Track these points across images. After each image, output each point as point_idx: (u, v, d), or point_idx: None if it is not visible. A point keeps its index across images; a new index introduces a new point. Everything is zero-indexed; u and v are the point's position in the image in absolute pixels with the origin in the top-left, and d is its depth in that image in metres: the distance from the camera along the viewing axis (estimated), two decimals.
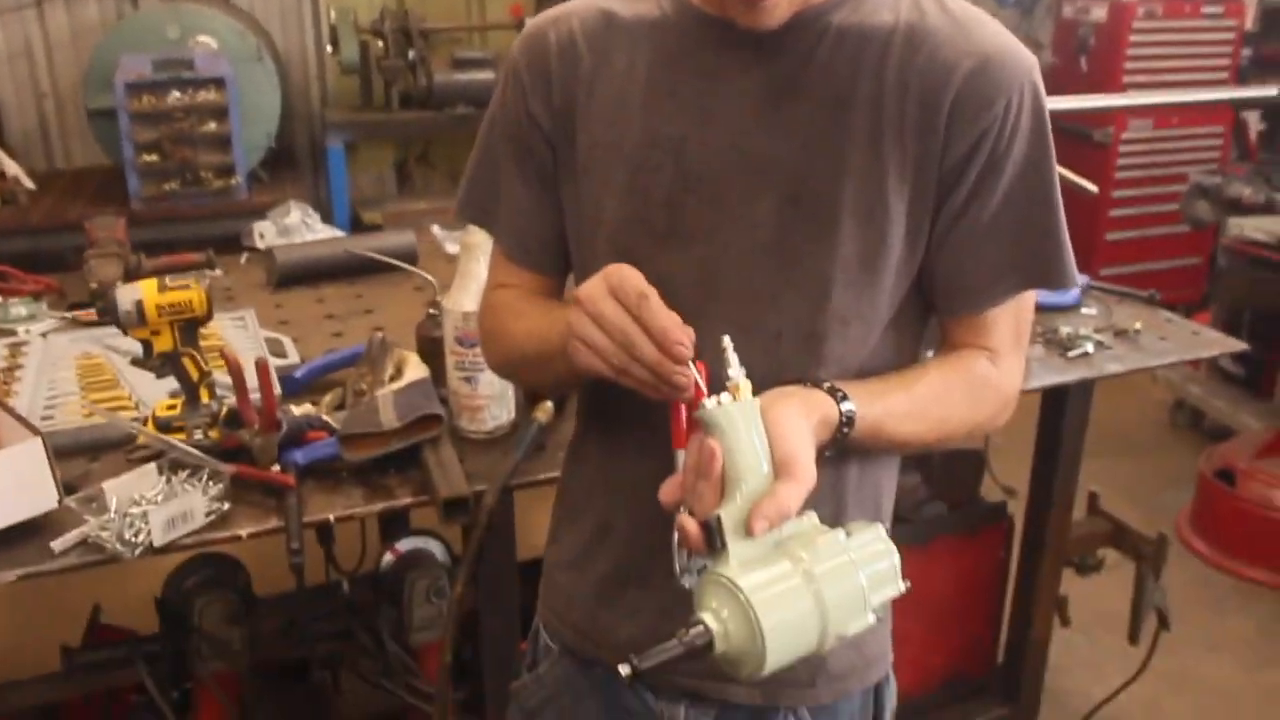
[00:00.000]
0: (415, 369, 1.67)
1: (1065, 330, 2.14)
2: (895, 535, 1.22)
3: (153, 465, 1.50)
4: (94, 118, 3.81)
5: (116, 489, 1.43)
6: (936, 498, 2.42)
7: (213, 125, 3.58)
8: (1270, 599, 3.33)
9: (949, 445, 1.14)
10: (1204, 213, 4.11)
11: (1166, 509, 3.65)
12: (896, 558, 0.94)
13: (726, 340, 0.95)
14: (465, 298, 1.59)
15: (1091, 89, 4.74)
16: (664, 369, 0.92)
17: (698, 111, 1.06)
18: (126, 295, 1.57)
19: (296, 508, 1.45)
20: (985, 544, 2.42)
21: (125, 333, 1.60)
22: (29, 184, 3.74)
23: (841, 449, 1.03)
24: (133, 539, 1.39)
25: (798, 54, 1.04)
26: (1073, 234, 1.11)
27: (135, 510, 1.41)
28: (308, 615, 1.73)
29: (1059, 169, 1.10)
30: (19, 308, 2.18)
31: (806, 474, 0.91)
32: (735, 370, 0.94)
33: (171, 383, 1.67)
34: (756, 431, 0.91)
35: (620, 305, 0.93)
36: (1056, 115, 1.10)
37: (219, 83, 3.55)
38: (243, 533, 1.45)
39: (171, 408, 1.63)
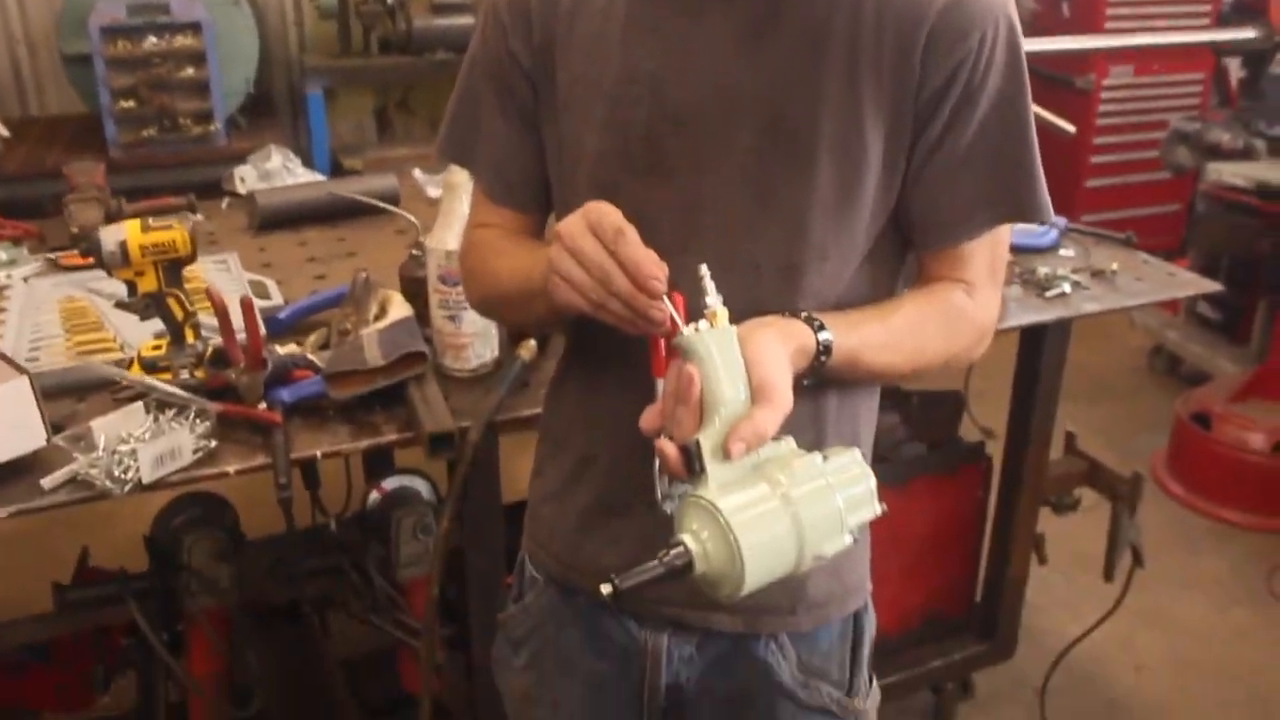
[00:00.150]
0: (399, 308, 1.68)
1: (1043, 271, 2.16)
2: (874, 473, 1.25)
3: (139, 404, 1.50)
4: (69, 63, 3.77)
5: (104, 427, 1.44)
6: (915, 438, 2.44)
7: (190, 71, 3.55)
8: (1243, 539, 3.40)
9: (926, 375, 1.16)
10: (1184, 158, 4.13)
11: (1143, 452, 3.70)
12: (873, 481, 0.96)
13: (704, 269, 0.96)
14: (448, 236, 1.59)
15: (1074, 33, 4.74)
16: (639, 303, 0.94)
17: (677, 46, 1.06)
18: (110, 236, 1.57)
19: (283, 444, 1.46)
20: (963, 483, 2.45)
21: (110, 274, 1.61)
22: (3, 131, 3.70)
23: (819, 378, 1.05)
24: (122, 476, 1.40)
25: None
26: (1053, 180, 1.12)
27: (124, 448, 1.42)
28: (296, 554, 1.75)
29: (1038, 109, 1.12)
30: None
31: (783, 399, 0.93)
32: (713, 298, 0.95)
33: (155, 325, 1.68)
34: (734, 358, 0.93)
35: (598, 241, 0.94)
36: (1037, 59, 1.12)
37: (195, 27, 3.51)
38: (230, 469, 1.46)
39: (157, 348, 1.64)
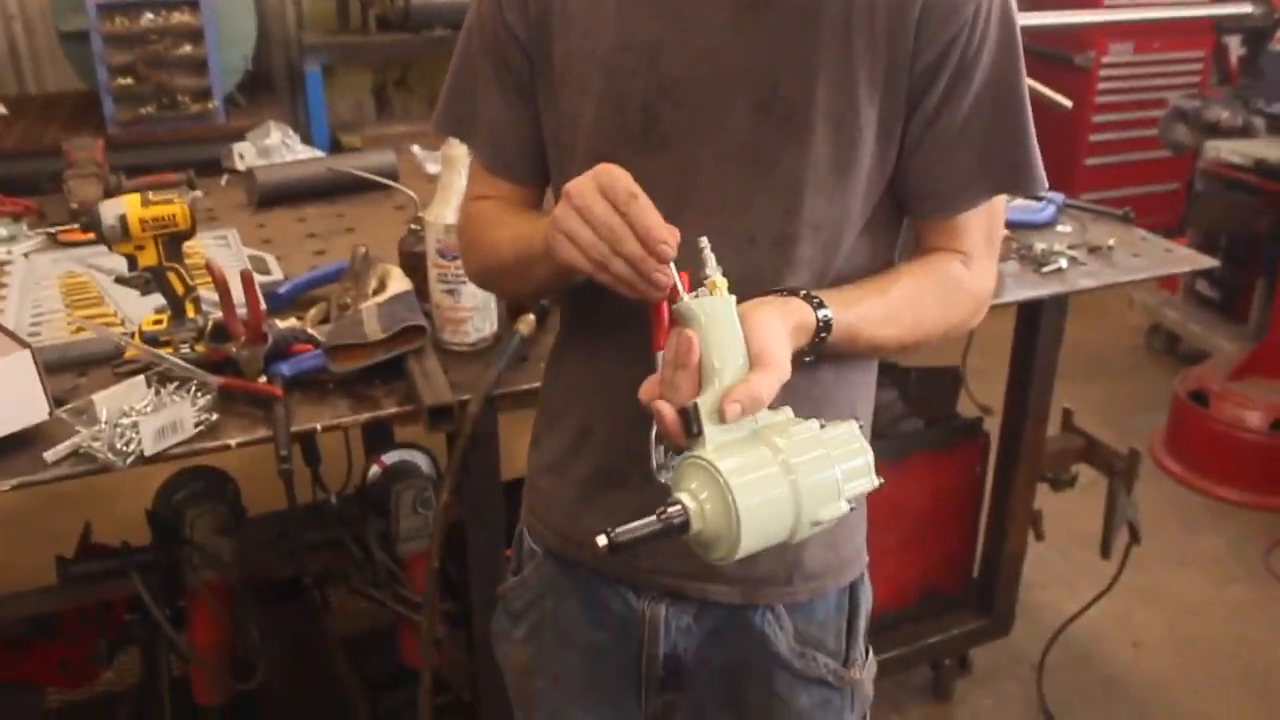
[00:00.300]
0: (398, 282, 1.69)
1: (1040, 246, 2.17)
2: (872, 450, 1.26)
3: (141, 378, 1.51)
4: (66, 40, 3.76)
5: (106, 400, 1.45)
6: (913, 414, 2.45)
7: (188, 48, 3.54)
8: (1239, 517, 3.41)
9: (925, 346, 1.17)
10: (1183, 136, 4.12)
11: (1141, 431, 3.71)
12: (870, 454, 0.97)
13: (704, 241, 0.97)
14: (447, 211, 1.60)
15: (1072, 8, 4.72)
16: (646, 266, 0.94)
17: (672, 16, 1.06)
18: (110, 210, 1.58)
19: (284, 417, 1.47)
20: (961, 459, 2.46)
21: (110, 248, 1.61)
22: (1, 109, 3.70)
23: (819, 355, 1.05)
24: (124, 449, 1.41)
25: None
26: (1051, 158, 1.13)
27: (125, 421, 1.43)
28: (297, 528, 1.76)
29: (1033, 83, 1.12)
30: None
31: (780, 366, 0.94)
32: (712, 269, 0.96)
33: (155, 301, 1.68)
34: (733, 326, 0.94)
35: (608, 203, 0.95)
36: (1035, 34, 1.12)
37: (193, 4, 3.50)
38: (232, 442, 1.47)
39: (158, 322, 1.64)
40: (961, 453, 2.46)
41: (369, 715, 2.13)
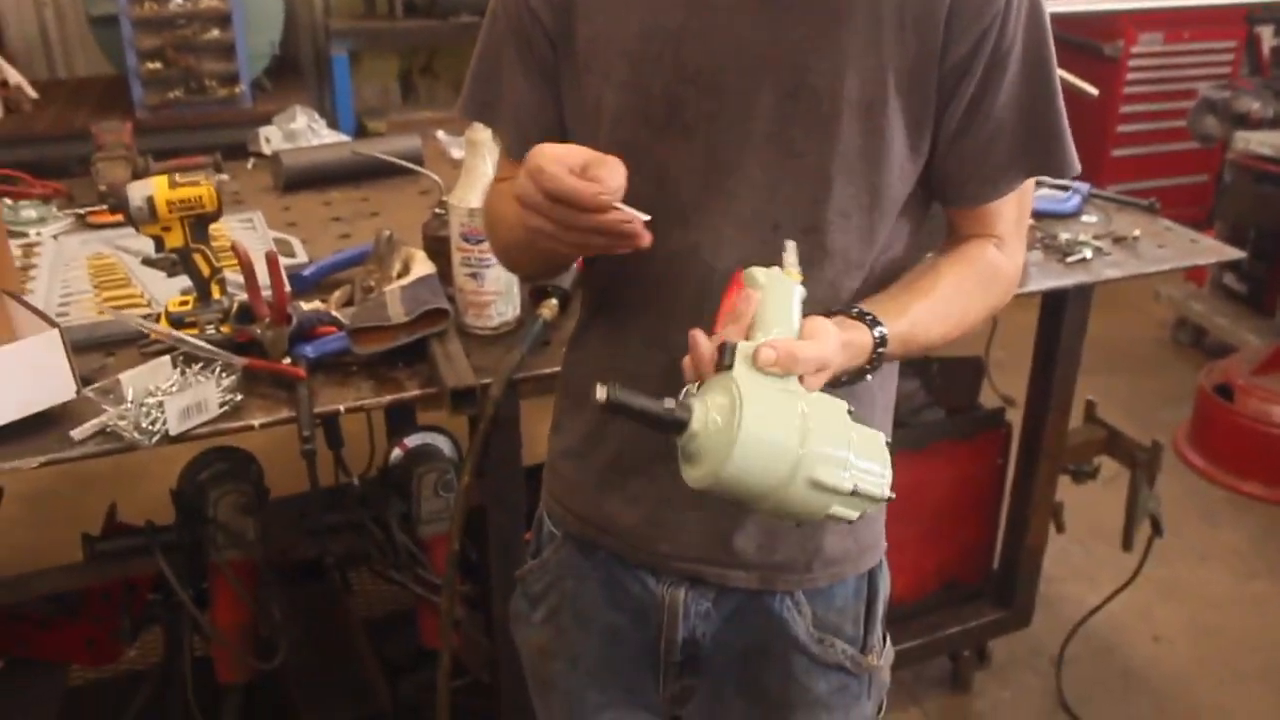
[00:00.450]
0: (422, 265, 1.70)
1: (1064, 236, 2.15)
2: (893, 439, 1.26)
3: (167, 358, 1.53)
4: (95, 25, 3.79)
5: (132, 380, 1.46)
6: (935, 404, 2.45)
7: (216, 32, 3.57)
8: (1262, 512, 3.39)
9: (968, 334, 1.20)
10: (1212, 128, 4.09)
11: (1165, 425, 3.68)
12: (888, 465, 0.96)
13: (790, 245, 1.00)
14: (471, 195, 1.60)
15: None
16: (606, 223, 0.95)
17: (698, 5, 1.06)
18: (138, 191, 1.59)
19: (307, 398, 1.48)
20: (983, 449, 2.45)
21: (137, 229, 1.62)
22: (31, 93, 3.73)
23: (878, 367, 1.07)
24: (149, 428, 1.42)
25: None
26: (1078, 148, 1.15)
27: (151, 400, 1.44)
28: (319, 509, 1.77)
29: (1059, 71, 1.13)
30: (29, 210, 2.19)
31: (825, 346, 0.95)
32: (791, 263, 0.99)
33: (182, 282, 1.69)
34: (792, 305, 0.96)
35: (537, 186, 0.95)
36: (1064, 23, 1.13)
37: None
38: (255, 423, 1.48)
39: (184, 304, 1.66)
40: (983, 443, 2.45)
41: (388, 696, 2.14)
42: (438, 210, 1.79)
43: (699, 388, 0.96)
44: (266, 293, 1.58)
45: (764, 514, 0.95)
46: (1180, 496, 3.32)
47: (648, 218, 0.95)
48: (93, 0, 3.74)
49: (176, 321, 1.63)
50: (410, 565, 1.81)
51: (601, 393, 0.91)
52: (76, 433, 1.42)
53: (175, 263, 1.65)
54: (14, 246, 2.01)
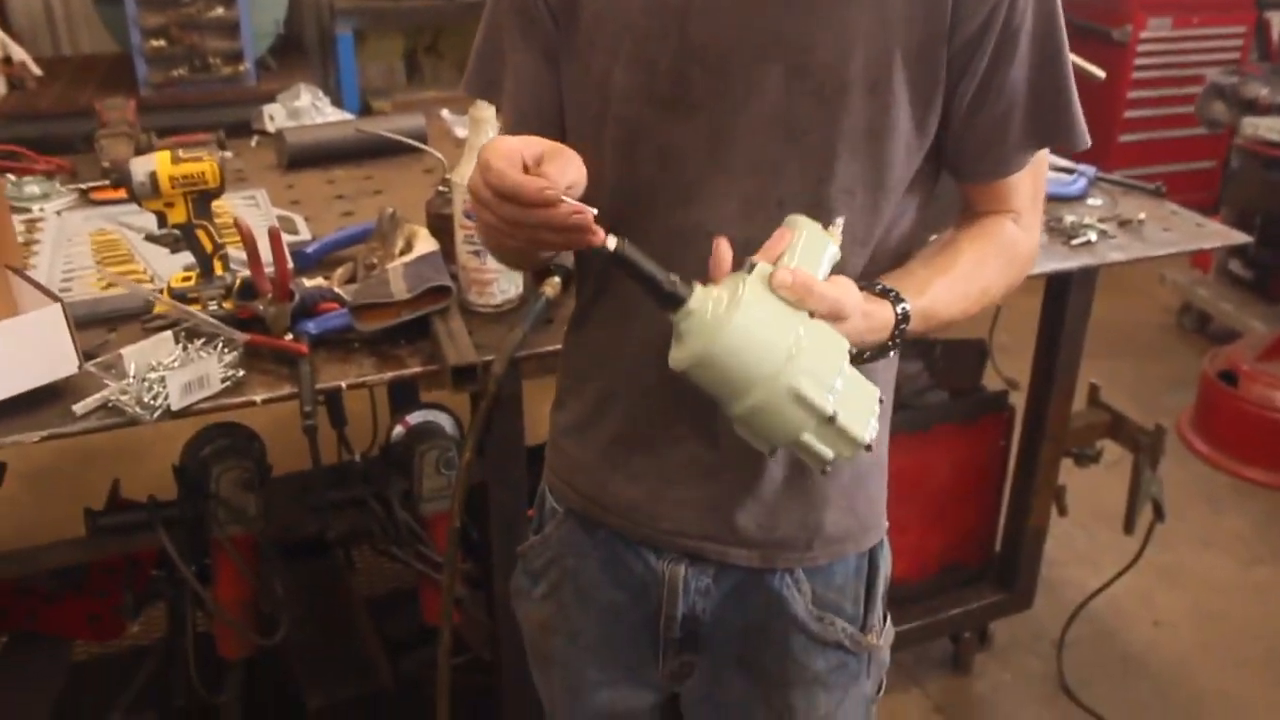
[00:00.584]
0: (425, 242, 1.70)
1: (1070, 219, 2.15)
2: (896, 421, 1.26)
3: (169, 334, 1.53)
4: (100, 2, 3.78)
5: (135, 355, 1.46)
6: (938, 386, 2.44)
7: (220, 10, 3.55)
8: (1266, 498, 3.39)
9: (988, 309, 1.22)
10: (1220, 114, 4.07)
11: (1169, 410, 3.68)
12: (875, 422, 0.97)
13: (839, 220, 1.03)
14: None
15: None
16: (556, 219, 0.93)
17: None
18: (140, 166, 1.59)
19: (309, 374, 1.48)
20: (985, 432, 2.45)
21: (140, 205, 1.62)
22: (36, 70, 3.72)
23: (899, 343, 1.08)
24: (151, 403, 1.42)
25: None
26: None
27: (153, 375, 1.44)
28: (320, 486, 1.77)
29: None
30: (32, 186, 2.19)
31: (844, 293, 0.97)
32: (837, 230, 1.01)
33: (185, 259, 1.69)
34: (821, 257, 0.97)
35: (485, 182, 0.94)
36: (1074, 7, 1.12)
37: None
38: (257, 398, 1.48)
39: (186, 279, 1.66)
40: (986, 426, 2.45)
41: (389, 673, 2.15)
42: (441, 188, 1.79)
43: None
44: (269, 269, 1.58)
45: (737, 421, 0.95)
46: (1184, 482, 3.32)
47: (595, 211, 0.93)
48: None
49: (179, 297, 1.63)
50: (412, 542, 1.82)
51: (613, 242, 0.91)
52: (78, 407, 1.42)
53: (178, 239, 1.65)
54: (17, 222, 2.01)
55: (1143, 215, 2.20)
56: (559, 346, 1.39)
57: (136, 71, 3.56)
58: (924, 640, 2.61)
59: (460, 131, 2.59)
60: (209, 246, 1.64)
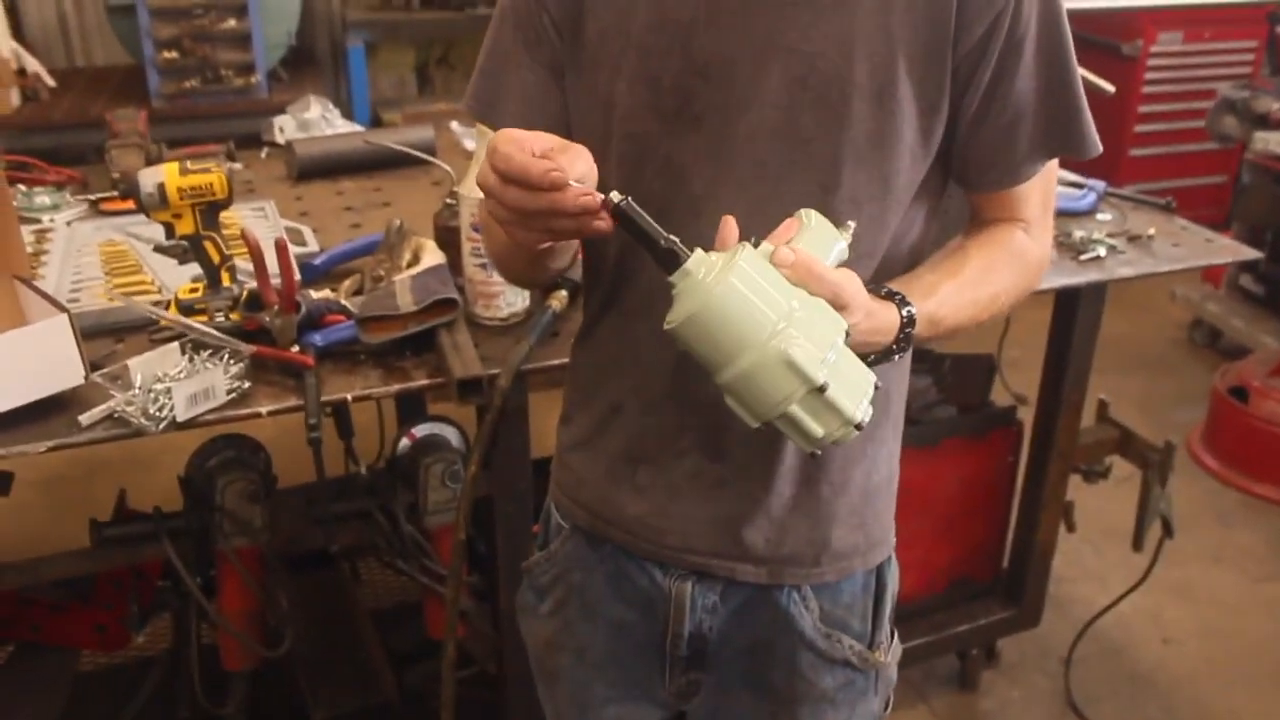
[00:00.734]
0: (432, 255, 1.70)
1: (1079, 234, 2.14)
2: (905, 436, 1.25)
3: (175, 345, 1.53)
4: (113, 14, 3.80)
5: (141, 366, 1.46)
6: (947, 401, 2.43)
7: (232, 22, 3.58)
8: (1277, 514, 3.37)
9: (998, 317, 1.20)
10: (1231, 128, 4.05)
11: (1179, 426, 3.66)
12: (868, 405, 0.94)
13: (851, 225, 1.01)
14: None
15: None
16: (561, 203, 0.91)
17: None
18: (149, 177, 1.59)
19: (315, 386, 1.48)
20: (994, 447, 2.44)
21: (148, 216, 1.63)
22: (49, 81, 3.75)
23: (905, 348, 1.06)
24: (157, 414, 1.43)
25: None
26: None
27: (159, 386, 1.44)
28: (326, 498, 1.77)
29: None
30: (43, 197, 2.19)
31: (848, 280, 0.95)
32: (848, 232, 1.00)
33: (193, 269, 1.70)
34: (832, 250, 0.97)
35: (492, 168, 0.93)
36: (1084, 21, 1.12)
37: None
38: (263, 410, 1.48)
39: (193, 291, 1.66)
40: (994, 441, 2.44)
41: (394, 686, 2.14)
42: (449, 200, 1.79)
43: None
44: (276, 281, 1.58)
45: (726, 389, 0.93)
46: (1194, 498, 3.30)
47: (603, 196, 0.92)
48: None
49: (186, 308, 1.63)
50: (417, 555, 1.81)
51: (616, 196, 0.90)
52: (85, 418, 1.42)
53: (186, 250, 1.65)
54: (27, 232, 2.01)
55: (1152, 230, 2.19)
56: (565, 360, 1.38)
57: (148, 83, 3.59)
58: (931, 657, 2.60)
59: (469, 143, 2.60)
60: (216, 258, 1.65)
